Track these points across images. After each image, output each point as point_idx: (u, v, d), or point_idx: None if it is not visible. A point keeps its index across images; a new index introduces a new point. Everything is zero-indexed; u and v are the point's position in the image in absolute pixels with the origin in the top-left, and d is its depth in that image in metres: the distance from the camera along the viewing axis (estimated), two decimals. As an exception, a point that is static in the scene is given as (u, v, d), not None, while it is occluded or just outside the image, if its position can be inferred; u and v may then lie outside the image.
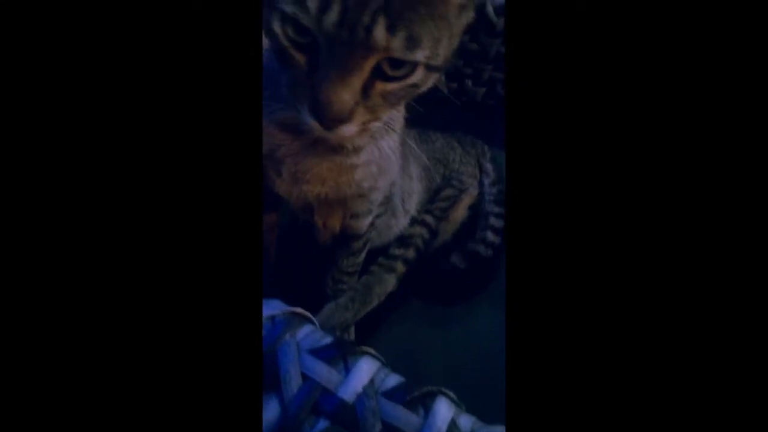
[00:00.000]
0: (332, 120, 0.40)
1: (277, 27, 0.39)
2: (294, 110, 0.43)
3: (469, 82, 0.91)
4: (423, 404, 0.32)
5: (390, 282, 0.72)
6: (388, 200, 0.69)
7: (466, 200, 0.83)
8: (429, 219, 0.78)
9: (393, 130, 0.52)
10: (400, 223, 0.77)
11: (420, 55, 0.39)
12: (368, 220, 0.66)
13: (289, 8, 0.37)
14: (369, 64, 0.39)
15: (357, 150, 0.53)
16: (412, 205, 0.78)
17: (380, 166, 0.58)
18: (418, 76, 0.41)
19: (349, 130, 0.42)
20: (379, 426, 0.31)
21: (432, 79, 0.44)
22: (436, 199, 0.81)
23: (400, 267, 0.73)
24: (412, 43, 0.38)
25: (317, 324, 0.38)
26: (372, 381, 0.33)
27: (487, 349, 0.66)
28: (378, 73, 0.40)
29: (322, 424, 0.31)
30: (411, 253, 0.75)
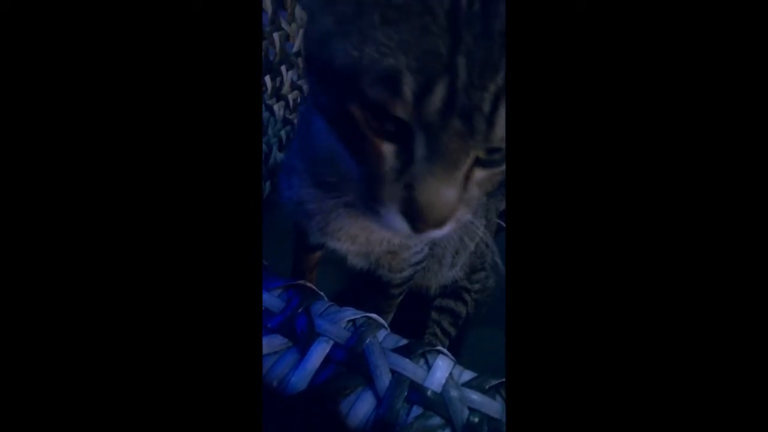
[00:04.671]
0: (432, 225, 0.33)
1: (356, 111, 0.31)
2: (368, 209, 0.35)
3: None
4: (498, 392, 0.37)
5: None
6: (431, 253, 0.66)
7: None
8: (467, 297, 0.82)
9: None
10: (444, 273, 0.75)
11: None
12: (405, 273, 0.63)
13: (374, 93, 0.29)
14: (474, 154, 0.32)
15: None
16: (459, 261, 0.76)
17: None
18: None
19: (441, 231, 0.34)
20: (466, 411, 0.35)
21: None
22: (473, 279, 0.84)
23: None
24: None
25: (388, 329, 0.42)
26: (451, 374, 0.37)
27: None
28: (476, 160, 0.33)
29: (416, 410, 0.35)
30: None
